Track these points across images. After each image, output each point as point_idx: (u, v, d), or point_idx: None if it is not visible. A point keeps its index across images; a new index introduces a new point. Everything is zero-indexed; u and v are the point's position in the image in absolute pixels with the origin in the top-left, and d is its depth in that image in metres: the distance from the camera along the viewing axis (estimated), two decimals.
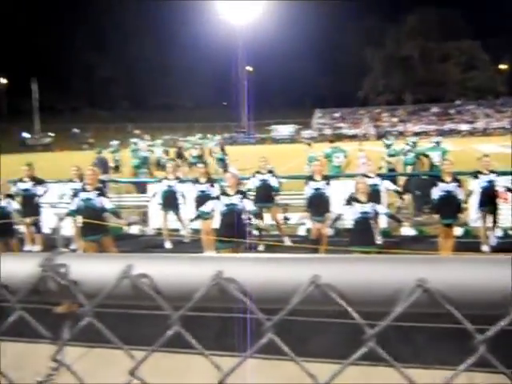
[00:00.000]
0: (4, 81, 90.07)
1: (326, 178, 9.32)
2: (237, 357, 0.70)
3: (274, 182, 10.44)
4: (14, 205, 9.27)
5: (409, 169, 13.94)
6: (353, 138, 56.79)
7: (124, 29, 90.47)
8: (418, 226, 11.13)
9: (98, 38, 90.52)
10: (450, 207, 8.49)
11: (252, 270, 0.72)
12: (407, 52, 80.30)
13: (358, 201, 7.54)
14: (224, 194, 8.03)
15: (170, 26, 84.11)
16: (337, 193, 9.65)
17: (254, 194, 10.45)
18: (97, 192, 8.28)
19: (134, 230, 11.92)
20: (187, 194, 10.46)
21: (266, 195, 10.32)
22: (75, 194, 8.47)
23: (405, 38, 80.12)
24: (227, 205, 7.86)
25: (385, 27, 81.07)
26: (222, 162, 20.80)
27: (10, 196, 9.32)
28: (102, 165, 16.61)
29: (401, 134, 50.89)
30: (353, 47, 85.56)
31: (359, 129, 65.48)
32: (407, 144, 16.47)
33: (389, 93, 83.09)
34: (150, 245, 10.94)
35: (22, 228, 10.60)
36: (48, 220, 11.77)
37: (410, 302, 0.66)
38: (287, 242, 10.20)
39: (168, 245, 10.68)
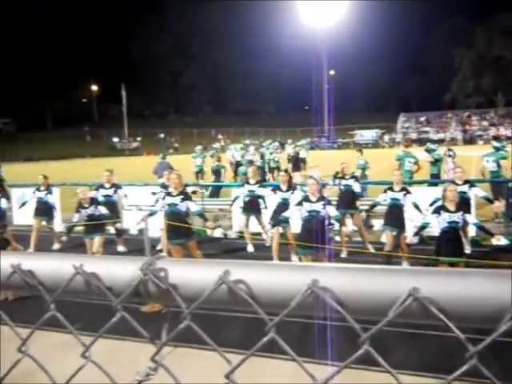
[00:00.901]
0: (95, 87, 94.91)
1: (405, 189, 9.00)
2: (331, 366, 0.70)
3: (357, 187, 10.30)
4: (102, 209, 9.69)
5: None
6: (439, 142, 54.92)
7: (208, 36, 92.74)
8: (510, 235, 10.57)
9: (183, 46, 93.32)
10: None
11: (348, 280, 0.71)
12: (499, 52, 76.49)
13: (446, 209, 7.19)
14: (306, 200, 7.98)
15: (252, 32, 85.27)
16: (418, 199, 9.41)
17: (337, 199, 10.40)
18: (181, 197, 8.51)
19: (218, 233, 12.17)
20: (268, 199, 10.54)
21: (349, 201, 10.20)
22: (162, 198, 8.80)
23: (496, 37, 76.38)
24: (309, 211, 7.81)
25: (474, 26, 77.76)
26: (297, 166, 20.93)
27: (95, 202, 9.77)
28: (164, 170, 17.03)
29: (495, 138, 48.50)
30: (439, 48, 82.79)
31: (446, 133, 63.21)
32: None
33: (479, 95, 79.64)
34: (232, 248, 11.10)
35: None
36: (133, 222, 12.28)
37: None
38: (371, 249, 9.98)
39: (250, 248, 10.78)
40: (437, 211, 7.31)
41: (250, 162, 18.31)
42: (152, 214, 8.82)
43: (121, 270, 0.84)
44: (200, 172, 20.41)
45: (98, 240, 9.40)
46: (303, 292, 0.71)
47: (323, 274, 0.72)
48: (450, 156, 14.68)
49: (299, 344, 5.63)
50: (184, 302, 0.79)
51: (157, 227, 11.57)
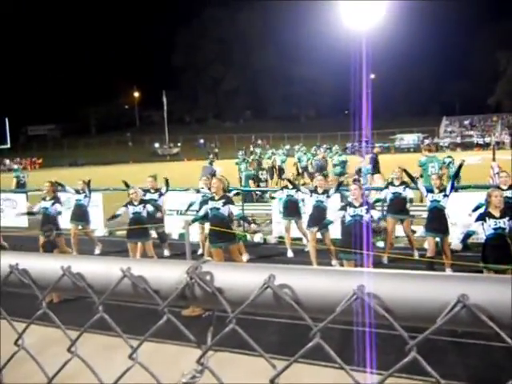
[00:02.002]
0: (137, 94, 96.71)
1: (444, 190, 8.83)
2: (374, 373, 0.69)
3: (408, 193, 10.15)
4: (149, 208, 9.86)
5: None
6: (484, 146, 53.67)
7: (248, 41, 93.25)
8: None
9: (223, 52, 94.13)
10: None
11: (394, 286, 0.71)
12: None
13: (491, 216, 7.01)
14: (350, 204, 7.97)
15: (292, 36, 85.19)
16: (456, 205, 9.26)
17: (387, 205, 10.36)
18: (223, 201, 8.61)
19: (257, 238, 12.20)
20: (306, 202, 10.56)
21: (399, 207, 10.10)
22: (204, 202, 8.92)
23: None
24: (352, 215, 7.81)
25: None
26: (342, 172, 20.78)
27: (144, 201, 9.95)
28: (210, 175, 17.13)
29: None
30: (484, 51, 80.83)
31: (491, 137, 61.62)
32: None
33: None
34: (271, 253, 11.10)
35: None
36: (174, 227, 12.43)
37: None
38: (416, 255, 9.81)
39: (290, 253, 10.76)
40: (481, 218, 7.14)
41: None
42: (196, 219, 8.96)
43: (167, 274, 0.86)
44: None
45: (148, 244, 9.61)
46: (349, 297, 0.71)
47: (370, 280, 0.72)
48: (494, 160, 14.29)
49: (341, 350, 5.57)
50: (229, 306, 0.79)
51: (196, 232, 11.71)
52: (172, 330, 0.98)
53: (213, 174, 13.71)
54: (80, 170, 41.91)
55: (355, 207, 7.87)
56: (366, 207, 7.82)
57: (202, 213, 8.90)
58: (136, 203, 9.68)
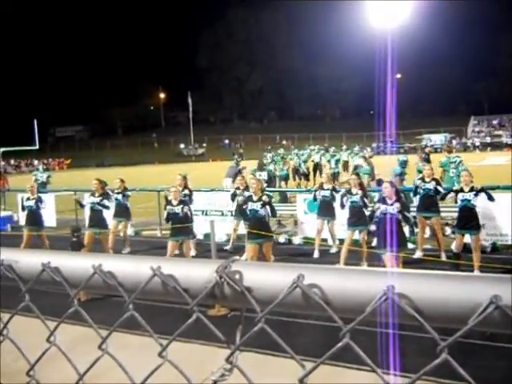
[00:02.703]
0: (162, 95, 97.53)
1: (474, 189, 8.73)
2: (407, 377, 0.68)
3: (437, 191, 10.00)
4: (186, 209, 9.92)
5: None
6: None
7: (273, 42, 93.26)
8: None
9: (248, 53, 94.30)
10: None
11: (425, 287, 0.70)
12: None
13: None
14: (383, 201, 8.10)
15: (316, 36, 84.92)
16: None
17: (418, 203, 10.34)
18: (261, 202, 8.86)
19: (282, 238, 12.19)
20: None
21: (428, 204, 10.01)
22: (245, 202, 9.25)
23: None
24: (384, 213, 7.95)
25: None
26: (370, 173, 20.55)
27: (183, 202, 10.02)
28: (234, 175, 17.15)
29: None
30: (509, 49, 79.42)
31: None
32: None
33: None
34: (298, 253, 11.09)
35: None
36: (199, 227, 12.52)
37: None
38: (443, 257, 9.69)
39: (316, 254, 10.73)
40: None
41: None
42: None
43: (197, 273, 0.87)
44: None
45: (189, 243, 9.83)
46: (379, 298, 0.70)
47: (400, 280, 0.71)
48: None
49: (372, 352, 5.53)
50: (258, 305, 0.80)
51: (223, 232, 11.73)
52: (198, 329, 0.99)
53: (236, 174, 13.76)
54: (107, 171, 42.43)
55: (387, 204, 7.99)
56: (397, 205, 7.95)
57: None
58: (175, 203, 9.76)
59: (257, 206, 8.84)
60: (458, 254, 8.74)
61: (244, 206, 9.17)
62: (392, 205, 7.95)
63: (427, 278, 0.72)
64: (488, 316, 0.65)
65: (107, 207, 10.83)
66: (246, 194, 9.81)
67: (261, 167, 17.87)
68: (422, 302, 0.70)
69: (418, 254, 10.01)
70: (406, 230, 11.24)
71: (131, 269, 0.94)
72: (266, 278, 0.81)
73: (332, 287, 0.75)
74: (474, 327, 0.66)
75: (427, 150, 22.00)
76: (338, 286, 0.75)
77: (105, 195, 10.87)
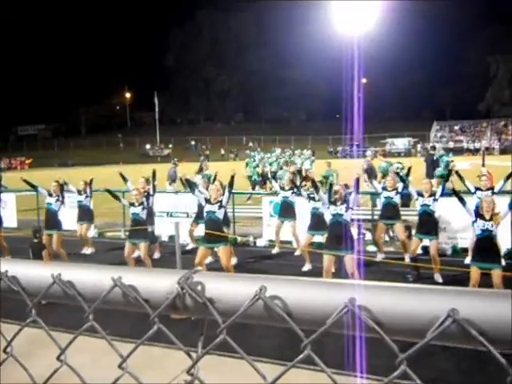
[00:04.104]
0: (128, 95, 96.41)
1: (434, 195, 8.94)
2: None
3: (397, 199, 10.22)
4: (145, 212, 9.88)
5: None
6: (474, 152, 54.07)
7: (240, 44, 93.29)
8: None
9: (215, 54, 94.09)
10: None
11: (386, 299, 0.71)
12: None
13: (482, 217, 7.28)
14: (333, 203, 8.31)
15: (284, 39, 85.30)
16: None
17: (380, 210, 10.56)
18: (219, 204, 8.75)
19: (247, 241, 12.19)
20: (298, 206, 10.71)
21: (390, 212, 10.16)
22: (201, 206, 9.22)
23: None
24: (334, 215, 8.16)
25: (510, 34, 76.20)
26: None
27: (143, 204, 9.93)
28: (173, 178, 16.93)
29: None
30: (474, 56, 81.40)
31: (481, 142, 62.05)
32: None
33: None
34: (259, 255, 11.13)
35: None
36: (164, 229, 12.43)
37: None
38: (406, 259, 9.89)
39: (275, 250, 10.96)
40: (474, 219, 7.46)
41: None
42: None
43: (158, 283, 0.86)
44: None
45: (143, 246, 9.55)
46: (339, 310, 0.71)
47: (361, 293, 0.72)
48: (483, 166, 14.39)
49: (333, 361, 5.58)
50: (220, 316, 0.79)
51: (186, 234, 11.67)
52: (162, 333, 0.98)
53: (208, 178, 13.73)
54: (70, 171, 41.66)
55: (336, 206, 8.29)
56: (345, 206, 8.26)
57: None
58: (137, 204, 9.68)
59: (214, 208, 8.73)
60: (415, 258, 8.94)
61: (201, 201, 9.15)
62: (340, 206, 8.20)
63: (388, 291, 0.73)
64: (446, 329, 0.66)
65: (57, 210, 10.82)
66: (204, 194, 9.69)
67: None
68: (383, 315, 0.70)
69: (380, 257, 10.22)
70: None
71: (91, 278, 0.93)
72: (228, 289, 0.80)
73: (294, 299, 0.75)
74: (432, 341, 0.67)
75: (379, 153, 22.28)
76: (300, 298, 0.75)
77: (59, 197, 10.85)
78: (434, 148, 12.72)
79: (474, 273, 7.16)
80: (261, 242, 12.09)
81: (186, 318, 6.77)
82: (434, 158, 17.16)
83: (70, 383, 1.12)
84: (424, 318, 0.68)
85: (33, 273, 0.99)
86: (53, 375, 0.97)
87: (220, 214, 8.73)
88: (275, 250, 11.24)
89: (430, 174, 15.57)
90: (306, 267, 9.73)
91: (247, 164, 23.66)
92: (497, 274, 7.04)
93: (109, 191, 10.41)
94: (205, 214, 8.87)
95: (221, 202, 8.73)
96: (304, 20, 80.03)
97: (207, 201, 8.87)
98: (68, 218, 12.14)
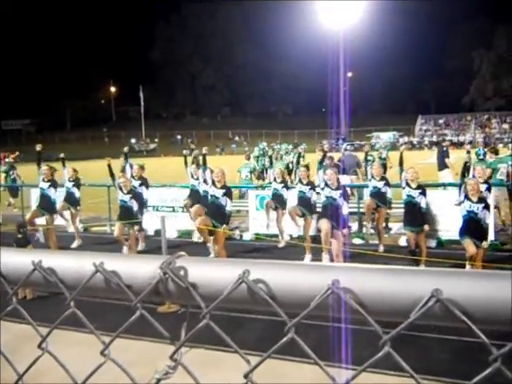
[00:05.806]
0: (114, 89, 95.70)
1: (421, 187, 8.97)
2: (349, 369, 0.69)
3: (386, 190, 10.29)
4: (133, 201, 9.91)
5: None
6: (458, 145, 54.46)
7: (226, 38, 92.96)
8: None
9: (201, 48, 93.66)
10: None
11: (369, 281, 0.71)
12: None
13: (469, 199, 7.62)
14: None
15: (270, 33, 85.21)
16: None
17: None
18: (223, 191, 9.01)
19: (234, 234, 12.18)
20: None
21: (378, 199, 10.24)
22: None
23: None
24: (327, 197, 8.70)
25: (495, 28, 76.85)
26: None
27: (132, 192, 10.09)
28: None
29: None
30: (459, 50, 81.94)
31: (465, 136, 62.58)
32: None
33: (498, 97, 78.69)
34: (246, 249, 11.13)
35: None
36: (150, 223, 12.38)
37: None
38: (381, 249, 9.98)
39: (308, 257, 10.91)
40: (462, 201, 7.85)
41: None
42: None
43: (140, 269, 0.85)
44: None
45: (133, 234, 9.81)
46: (323, 292, 0.70)
47: (344, 275, 0.71)
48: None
49: (317, 346, 5.59)
50: (203, 301, 0.78)
51: (174, 228, 11.62)
52: (148, 326, 0.97)
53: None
54: (55, 165, 41.31)
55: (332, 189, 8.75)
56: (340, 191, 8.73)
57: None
58: (125, 191, 9.75)
59: (218, 193, 8.95)
60: (413, 251, 8.84)
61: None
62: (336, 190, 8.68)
63: (372, 273, 0.72)
64: (429, 309, 0.66)
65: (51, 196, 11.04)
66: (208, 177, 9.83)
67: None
68: (366, 296, 0.70)
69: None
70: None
71: (73, 265, 0.91)
72: (211, 273, 0.79)
73: (277, 282, 0.75)
74: (415, 320, 0.67)
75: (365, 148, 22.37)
76: (284, 281, 0.75)
77: (52, 182, 11.10)
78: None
79: (469, 245, 7.45)
80: (247, 236, 12.09)
81: (172, 312, 6.76)
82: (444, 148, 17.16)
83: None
84: (408, 299, 0.67)
85: (13, 260, 0.97)
86: (34, 363, 0.96)
87: (223, 201, 8.91)
88: (281, 244, 11.22)
89: (441, 164, 15.75)
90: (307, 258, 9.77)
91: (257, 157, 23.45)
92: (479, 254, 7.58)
93: (109, 166, 10.57)
94: (209, 197, 9.16)
95: (226, 189, 8.98)
96: (290, 14, 79.99)
97: (213, 183, 9.11)
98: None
